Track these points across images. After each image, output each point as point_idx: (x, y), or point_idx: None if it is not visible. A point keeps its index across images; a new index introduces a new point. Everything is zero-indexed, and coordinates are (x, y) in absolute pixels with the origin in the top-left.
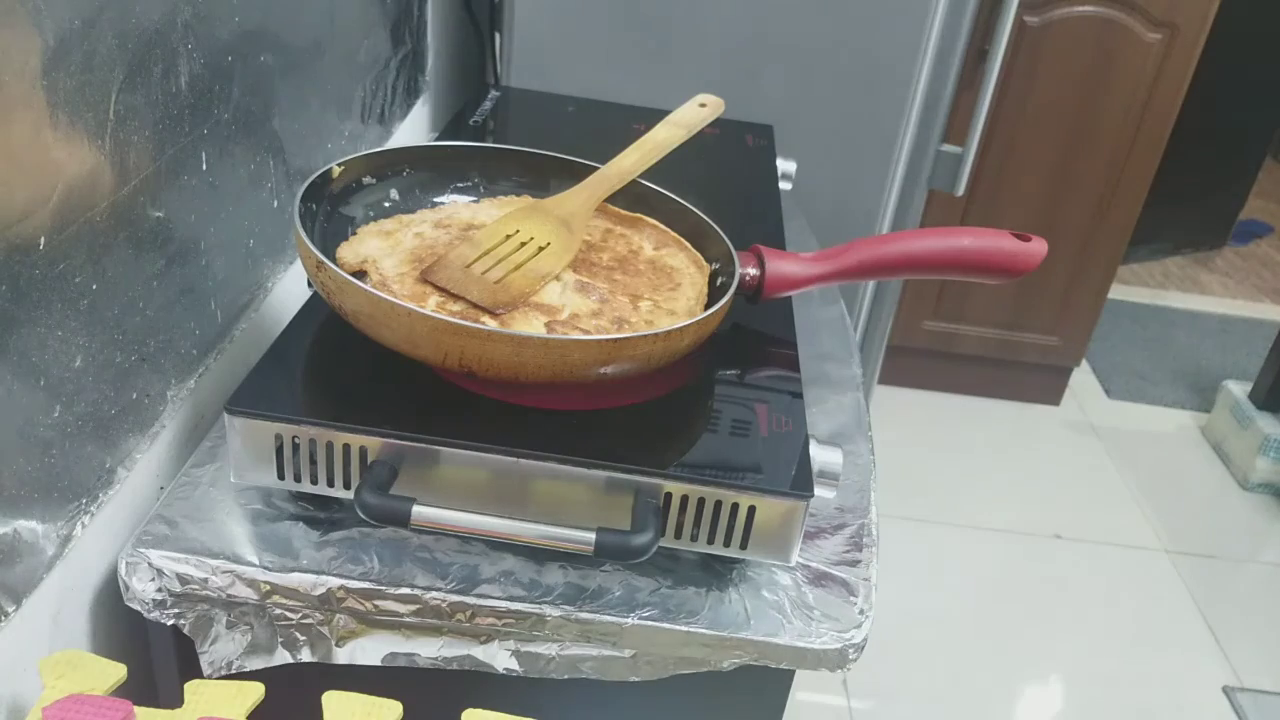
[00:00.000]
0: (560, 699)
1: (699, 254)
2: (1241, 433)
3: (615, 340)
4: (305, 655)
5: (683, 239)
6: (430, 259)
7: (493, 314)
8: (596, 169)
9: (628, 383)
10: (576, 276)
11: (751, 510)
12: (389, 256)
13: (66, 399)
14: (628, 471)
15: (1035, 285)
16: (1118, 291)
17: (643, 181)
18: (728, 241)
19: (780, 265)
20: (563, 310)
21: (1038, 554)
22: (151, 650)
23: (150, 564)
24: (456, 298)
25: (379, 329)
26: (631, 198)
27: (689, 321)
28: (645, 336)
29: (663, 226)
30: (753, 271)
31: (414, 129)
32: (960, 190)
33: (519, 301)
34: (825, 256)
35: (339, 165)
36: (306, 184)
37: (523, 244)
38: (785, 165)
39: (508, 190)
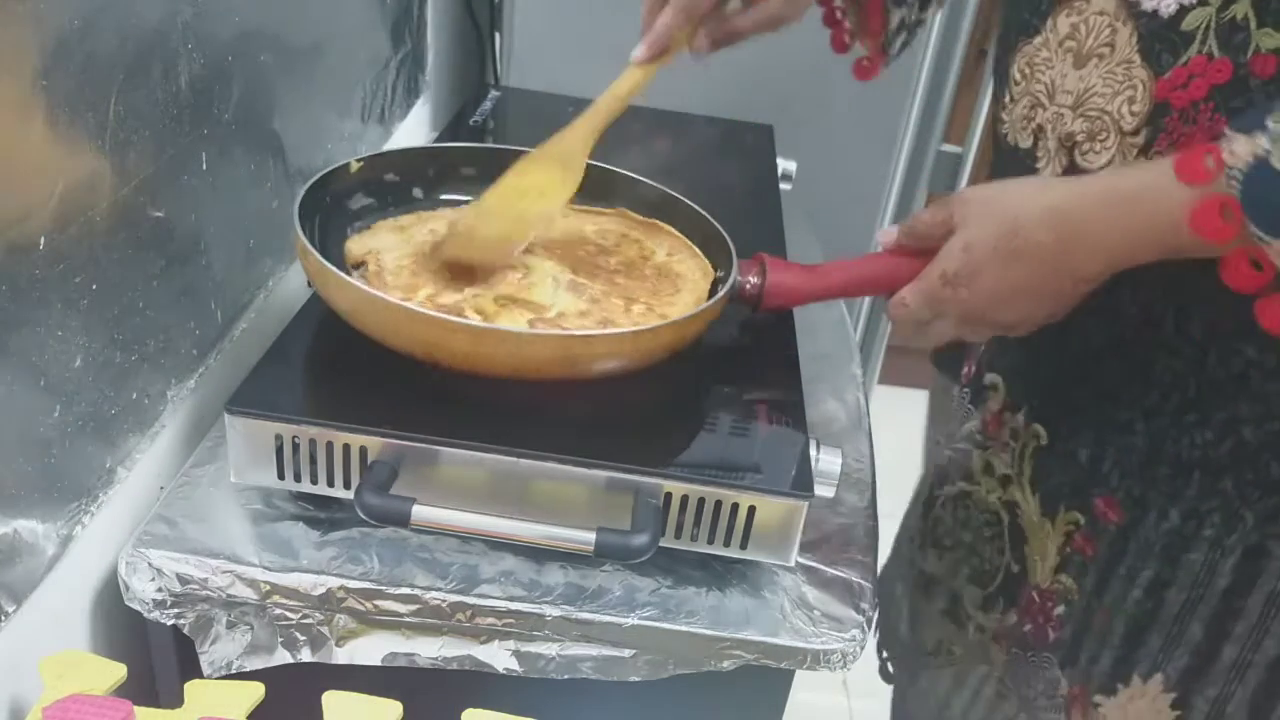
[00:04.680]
0: (560, 699)
1: (708, 262)
2: None
3: (580, 337)
4: (305, 655)
5: (695, 247)
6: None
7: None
8: (596, 168)
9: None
10: (572, 276)
11: (751, 510)
12: (395, 250)
13: (66, 399)
14: (628, 471)
15: None
16: None
17: (663, 188)
18: (732, 250)
19: (783, 277)
20: (550, 309)
21: None
22: (151, 650)
23: (150, 564)
24: (460, 283)
25: (364, 321)
26: (651, 204)
27: (662, 323)
28: (610, 335)
29: (678, 234)
30: (754, 280)
31: (414, 129)
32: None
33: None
34: (827, 271)
35: (349, 163)
36: (307, 185)
37: (523, 194)
38: (785, 165)
39: None
